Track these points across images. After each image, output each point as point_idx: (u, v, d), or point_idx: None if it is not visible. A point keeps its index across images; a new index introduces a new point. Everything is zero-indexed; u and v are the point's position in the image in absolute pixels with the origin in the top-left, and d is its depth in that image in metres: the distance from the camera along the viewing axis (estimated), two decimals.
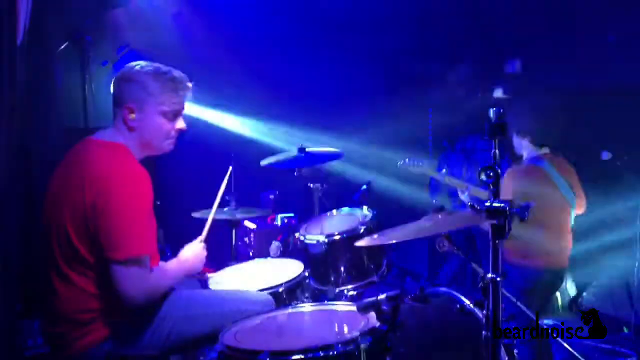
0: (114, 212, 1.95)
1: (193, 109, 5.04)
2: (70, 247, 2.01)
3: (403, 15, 5.23)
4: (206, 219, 2.66)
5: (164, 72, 2.14)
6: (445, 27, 5.20)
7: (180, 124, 2.23)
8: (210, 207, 2.76)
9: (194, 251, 2.40)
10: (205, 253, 2.44)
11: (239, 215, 3.55)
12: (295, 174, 3.56)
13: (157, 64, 2.18)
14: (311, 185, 3.52)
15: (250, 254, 3.55)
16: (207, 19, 4.81)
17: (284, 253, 3.17)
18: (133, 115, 2.11)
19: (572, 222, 3.28)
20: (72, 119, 3.71)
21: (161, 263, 2.21)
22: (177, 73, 2.18)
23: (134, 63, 2.17)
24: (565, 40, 4.73)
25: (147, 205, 2.03)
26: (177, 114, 2.20)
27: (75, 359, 2.04)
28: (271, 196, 4.73)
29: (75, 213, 1.99)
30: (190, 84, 2.22)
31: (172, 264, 2.29)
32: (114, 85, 2.17)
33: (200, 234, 2.60)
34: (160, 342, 2.12)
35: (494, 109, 1.60)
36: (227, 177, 2.81)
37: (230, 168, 2.82)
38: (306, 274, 2.84)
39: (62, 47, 3.65)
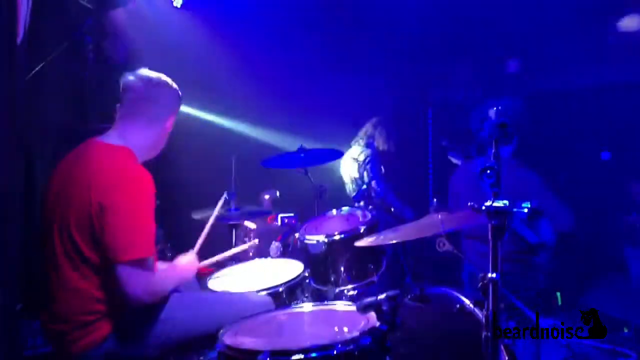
0: (120, 214, 1.98)
1: (193, 109, 5.04)
2: (74, 248, 2.02)
3: (403, 15, 5.24)
4: (206, 221, 2.69)
5: (178, 90, 2.37)
6: (445, 27, 5.21)
7: None
8: (210, 208, 2.77)
9: (188, 260, 2.45)
10: (198, 263, 2.48)
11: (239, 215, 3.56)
12: (297, 172, 3.56)
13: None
14: (312, 182, 3.52)
15: (250, 254, 3.54)
16: (206, 19, 4.81)
17: (284, 253, 3.17)
18: (170, 127, 2.31)
19: None
20: (72, 119, 3.71)
21: (159, 267, 2.25)
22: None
23: (163, 77, 2.31)
24: (566, 40, 4.73)
25: (151, 207, 2.07)
26: None
27: (76, 358, 2.05)
28: (267, 196, 4.71)
29: (81, 214, 2.00)
30: None
31: (169, 269, 2.36)
32: (145, 95, 2.23)
33: (199, 234, 2.62)
34: (160, 343, 2.13)
35: (495, 109, 1.61)
36: (220, 203, 2.85)
37: (225, 194, 2.86)
38: (306, 274, 2.84)
39: (62, 47, 3.64)
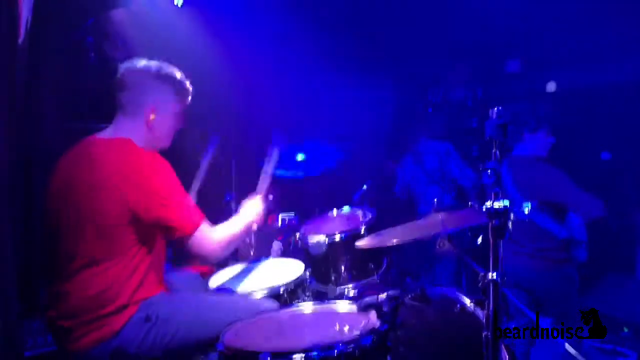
0: (165, 198, 2.06)
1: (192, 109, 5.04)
2: (84, 247, 2.02)
3: (403, 16, 5.24)
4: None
5: (173, 76, 2.24)
6: (445, 27, 5.21)
7: (180, 123, 2.33)
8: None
9: (252, 203, 2.55)
10: (262, 205, 2.58)
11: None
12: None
13: (163, 64, 2.25)
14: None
15: (251, 253, 3.54)
16: (208, 18, 4.81)
17: (285, 253, 3.17)
18: (153, 117, 2.20)
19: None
20: (72, 119, 3.71)
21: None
22: (181, 76, 2.28)
23: (145, 62, 2.21)
24: (566, 40, 4.74)
25: (176, 179, 2.16)
26: (182, 114, 2.31)
27: (81, 355, 2.05)
28: (269, 196, 4.72)
29: (110, 212, 2.01)
30: (190, 87, 2.33)
31: (233, 218, 2.42)
32: (126, 84, 2.19)
33: None
34: (163, 346, 2.12)
35: (495, 108, 1.60)
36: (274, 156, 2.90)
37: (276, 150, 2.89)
38: (307, 273, 2.84)
39: (63, 47, 3.64)
